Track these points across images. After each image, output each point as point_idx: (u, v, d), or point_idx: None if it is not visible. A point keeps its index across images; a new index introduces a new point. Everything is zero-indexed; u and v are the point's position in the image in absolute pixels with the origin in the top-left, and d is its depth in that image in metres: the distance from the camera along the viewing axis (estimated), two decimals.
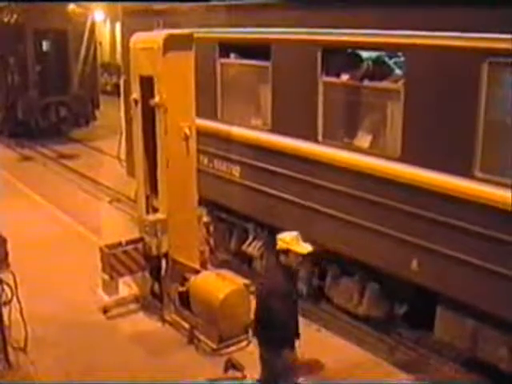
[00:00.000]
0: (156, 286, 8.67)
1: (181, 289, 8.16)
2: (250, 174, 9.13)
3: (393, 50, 7.53)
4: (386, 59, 8.01)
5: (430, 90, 6.54)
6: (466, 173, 6.23)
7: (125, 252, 8.40)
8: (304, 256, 6.02)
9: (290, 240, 5.85)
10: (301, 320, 8.63)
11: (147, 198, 8.83)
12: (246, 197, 9.30)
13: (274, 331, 5.81)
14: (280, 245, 5.88)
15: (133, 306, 8.89)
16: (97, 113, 22.87)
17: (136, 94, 8.45)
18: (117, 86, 20.32)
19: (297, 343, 6.10)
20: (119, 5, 12.43)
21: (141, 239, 8.52)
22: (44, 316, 8.33)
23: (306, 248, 5.93)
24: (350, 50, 8.03)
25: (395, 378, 7.37)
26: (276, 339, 5.86)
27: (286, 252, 5.84)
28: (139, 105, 8.45)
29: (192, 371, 7.20)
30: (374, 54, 8.03)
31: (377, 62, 7.92)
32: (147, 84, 8.19)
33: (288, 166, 8.40)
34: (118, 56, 23.23)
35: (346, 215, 7.63)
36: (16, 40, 21.10)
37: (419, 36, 6.43)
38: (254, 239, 9.58)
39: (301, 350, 6.32)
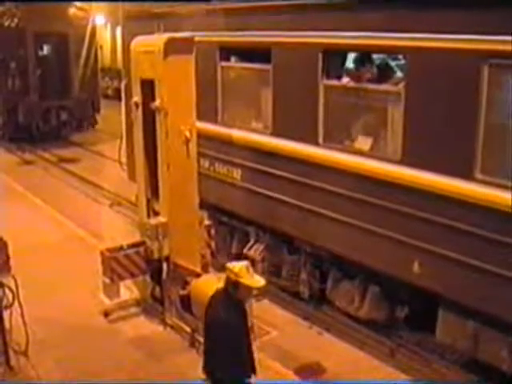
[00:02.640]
0: (157, 290, 8.68)
1: (182, 292, 8.15)
2: (251, 177, 9.13)
3: (394, 52, 7.55)
4: (390, 61, 8.05)
5: (431, 92, 6.54)
6: (467, 175, 6.24)
7: (126, 255, 8.40)
8: (258, 289, 5.45)
9: (239, 271, 5.22)
10: (303, 323, 8.79)
11: (148, 201, 8.84)
12: (247, 200, 9.30)
13: (220, 369, 5.32)
14: (228, 275, 5.26)
15: (134, 310, 8.90)
16: (97, 117, 22.92)
17: (137, 98, 8.46)
18: (118, 90, 20.40)
19: (253, 379, 5.55)
20: (120, 5, 12.43)
21: (142, 243, 8.52)
22: (45, 319, 8.34)
23: (258, 281, 5.36)
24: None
25: (396, 380, 7.37)
26: (224, 378, 5.33)
27: (236, 284, 5.21)
28: (140, 108, 8.46)
29: (193, 374, 7.18)
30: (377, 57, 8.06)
31: (381, 64, 7.94)
32: (148, 87, 8.21)
33: (289, 168, 8.40)
34: (119, 60, 23.24)
35: (347, 218, 7.63)
36: (17, 44, 21.13)
37: (420, 38, 6.44)
38: (255, 242, 9.58)
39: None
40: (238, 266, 5.31)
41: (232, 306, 5.29)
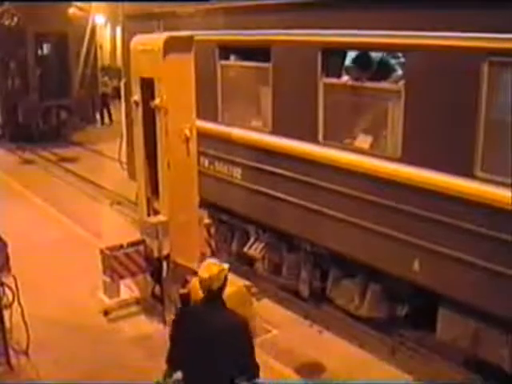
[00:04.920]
0: (157, 288, 8.68)
1: (182, 291, 8.14)
2: (251, 175, 9.12)
3: (393, 50, 7.54)
4: (390, 59, 8.04)
5: (431, 90, 6.53)
6: (467, 172, 6.23)
7: (126, 254, 8.41)
8: None
9: (221, 266, 4.97)
10: (303, 321, 8.79)
11: (148, 200, 8.84)
12: (246, 198, 9.30)
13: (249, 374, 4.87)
14: (222, 279, 4.92)
15: (134, 309, 8.90)
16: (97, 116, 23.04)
17: (137, 96, 8.46)
18: (117, 89, 20.44)
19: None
20: (120, 5, 12.43)
21: (142, 241, 8.53)
22: (45, 319, 8.33)
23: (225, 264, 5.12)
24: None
25: (396, 379, 7.37)
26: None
27: (225, 280, 4.97)
28: (140, 107, 8.46)
29: None
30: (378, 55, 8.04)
31: (381, 62, 7.93)
32: (148, 86, 8.20)
33: (289, 167, 8.40)
34: (119, 59, 23.28)
35: (347, 216, 7.62)
36: (17, 43, 21.14)
37: (419, 36, 6.43)
38: (255, 241, 9.57)
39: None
40: (215, 265, 4.99)
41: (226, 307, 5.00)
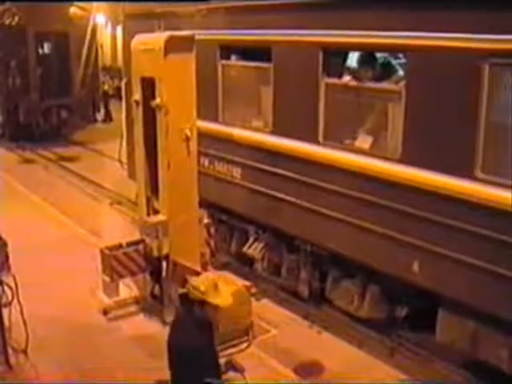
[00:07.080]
0: (156, 288, 8.68)
1: (181, 291, 8.14)
2: (251, 175, 9.12)
3: (394, 51, 7.54)
4: (392, 60, 8.04)
5: (431, 91, 6.53)
6: (468, 174, 6.22)
7: (125, 254, 8.41)
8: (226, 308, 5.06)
9: (207, 289, 4.92)
10: (302, 322, 8.78)
11: (148, 199, 8.84)
12: (246, 198, 9.29)
13: None
14: (194, 294, 4.86)
15: (133, 308, 8.90)
16: (97, 115, 23.07)
17: (137, 96, 8.46)
18: (118, 88, 20.47)
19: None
20: (120, 5, 12.43)
21: (142, 241, 8.53)
22: (44, 318, 8.33)
23: (226, 299, 5.06)
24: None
25: (396, 380, 7.37)
26: None
27: (202, 303, 4.86)
28: (140, 106, 8.46)
29: None
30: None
31: (383, 63, 7.93)
32: (148, 85, 8.21)
33: (289, 167, 8.39)
34: (119, 59, 23.30)
35: (347, 216, 7.62)
36: (17, 43, 21.14)
37: (420, 37, 6.43)
38: (254, 241, 9.56)
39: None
40: (203, 282, 4.95)
41: (198, 328, 4.89)
